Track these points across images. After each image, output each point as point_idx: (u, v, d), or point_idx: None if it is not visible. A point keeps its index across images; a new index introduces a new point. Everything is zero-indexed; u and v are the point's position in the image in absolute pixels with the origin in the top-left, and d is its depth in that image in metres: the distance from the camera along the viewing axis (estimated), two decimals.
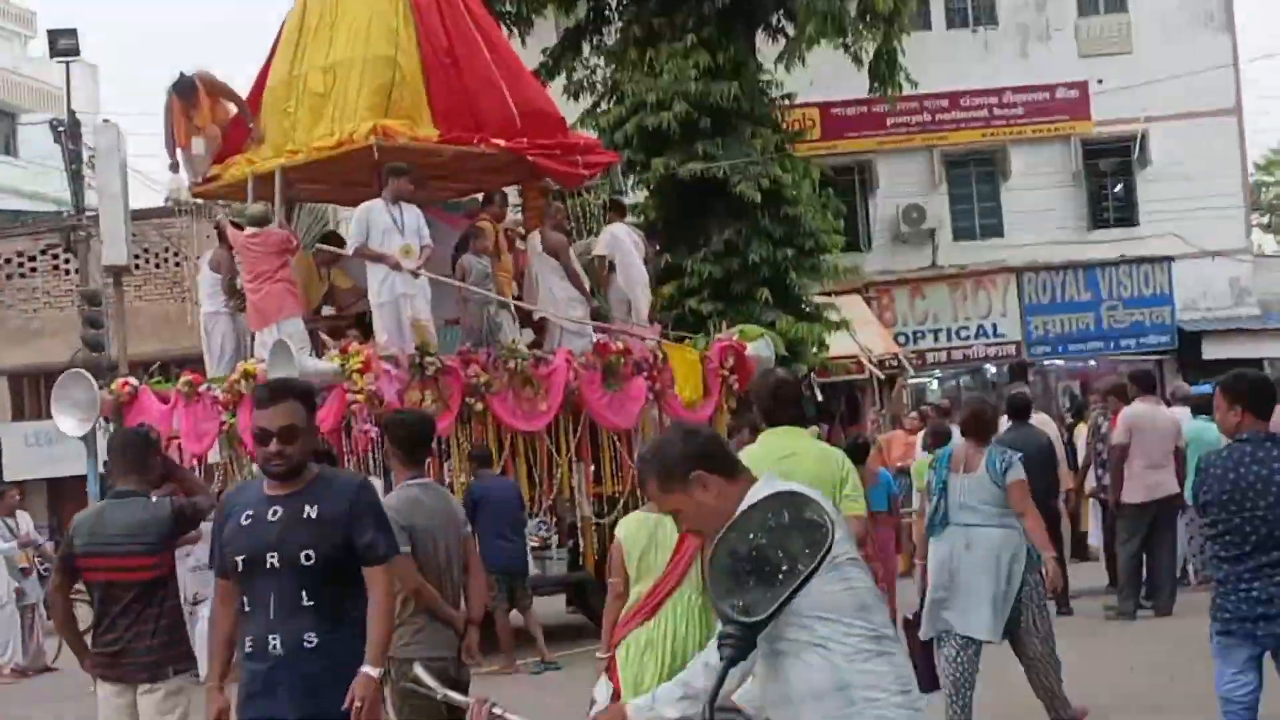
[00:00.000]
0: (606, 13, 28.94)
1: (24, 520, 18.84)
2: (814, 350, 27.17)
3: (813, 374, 28.90)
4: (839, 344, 30.19)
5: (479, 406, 15.49)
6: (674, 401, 17.16)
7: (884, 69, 28.52)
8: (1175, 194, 34.18)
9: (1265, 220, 58.67)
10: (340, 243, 16.87)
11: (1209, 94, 34.59)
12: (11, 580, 17.72)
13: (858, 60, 27.98)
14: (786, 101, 28.80)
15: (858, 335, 31.82)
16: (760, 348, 18.23)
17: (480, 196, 18.10)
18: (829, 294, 30.76)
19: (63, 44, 29.18)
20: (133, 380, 17.27)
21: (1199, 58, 33.91)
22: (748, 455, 7.64)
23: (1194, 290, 34.93)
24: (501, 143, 16.62)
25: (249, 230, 16.09)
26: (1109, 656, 13.10)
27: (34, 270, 34.09)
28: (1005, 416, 15.28)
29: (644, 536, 7.68)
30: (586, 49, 29.18)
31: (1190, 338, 34.37)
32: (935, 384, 37.59)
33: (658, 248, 27.29)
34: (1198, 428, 14.90)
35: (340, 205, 19.88)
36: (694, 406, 16.82)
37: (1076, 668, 10.71)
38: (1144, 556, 15.52)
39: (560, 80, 28.90)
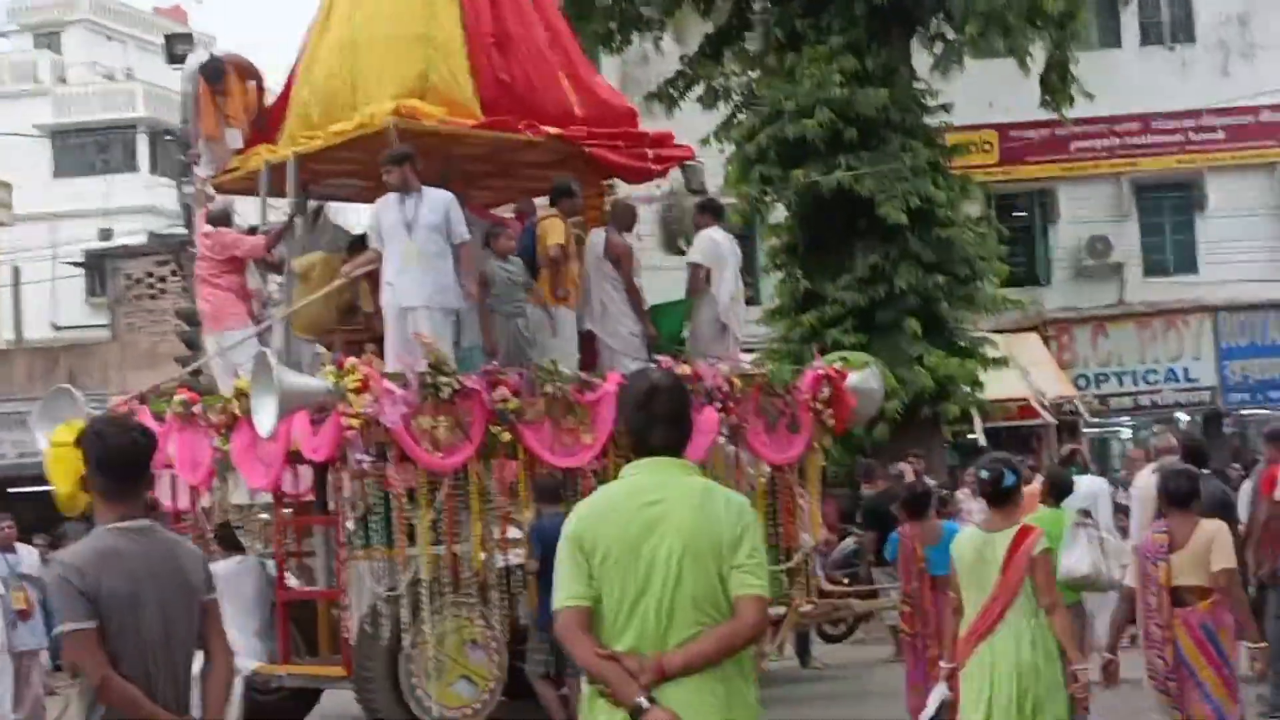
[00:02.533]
0: (750, 16, 26.33)
1: (26, 555, 16.59)
2: (968, 390, 24.27)
3: (975, 415, 26.09)
4: (1010, 386, 27.46)
5: (506, 437, 12.93)
6: (755, 436, 14.52)
7: (1055, 80, 25.59)
8: None
9: None
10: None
11: None
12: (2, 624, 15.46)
13: (1024, 66, 24.98)
14: (945, 113, 25.75)
15: (1031, 376, 29.09)
16: (865, 378, 15.46)
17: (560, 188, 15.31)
18: (1001, 331, 28.09)
19: (179, 49, 27.40)
20: (133, 393, 15.13)
21: None
22: (603, 496, 5.15)
23: None
24: (551, 130, 14.08)
25: (204, 228, 14.16)
26: None
27: (163, 292, 32.55)
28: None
29: (971, 553, 8.19)
30: (728, 56, 26.63)
31: None
32: (1128, 433, 34.33)
33: (798, 274, 24.96)
34: None
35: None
36: None
37: None
38: None
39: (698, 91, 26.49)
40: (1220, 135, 32.12)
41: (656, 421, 5.11)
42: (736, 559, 4.94)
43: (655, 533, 4.95)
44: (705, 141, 25.30)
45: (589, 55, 27.25)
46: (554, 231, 13.91)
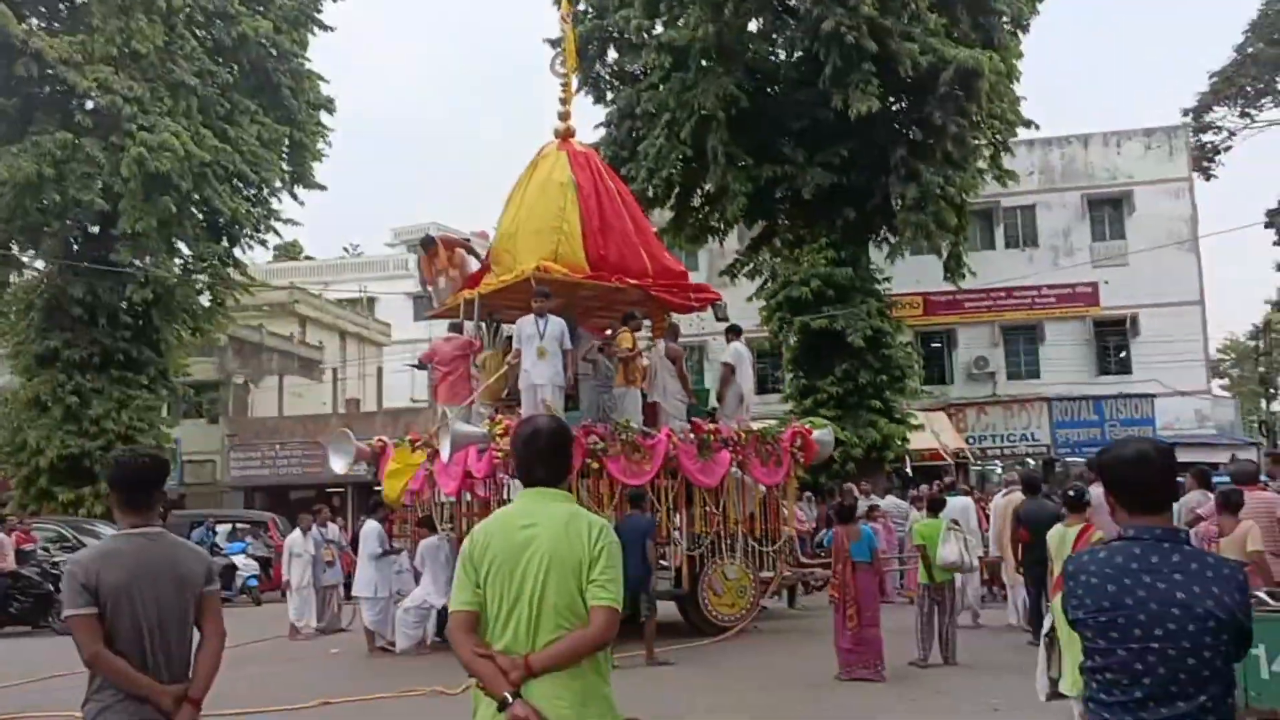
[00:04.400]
0: (775, 227, 24.50)
1: (333, 529, 15.07)
2: (899, 443, 21.98)
3: (906, 459, 23.71)
4: (927, 441, 25.07)
5: (595, 465, 11.15)
6: (755, 468, 12.54)
7: (953, 263, 23.39)
8: (1157, 354, 27.84)
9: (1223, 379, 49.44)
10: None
11: (1179, 290, 28.19)
12: (311, 569, 13.92)
13: (938, 252, 22.84)
14: (887, 283, 23.61)
15: (940, 436, 26.57)
16: (823, 434, 13.40)
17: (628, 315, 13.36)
18: (924, 410, 25.77)
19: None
20: (384, 437, 13.54)
21: (1174, 267, 27.86)
22: (492, 520, 3.26)
23: (1169, 416, 28.01)
24: (632, 281, 12.38)
25: (447, 334, 12.51)
26: None
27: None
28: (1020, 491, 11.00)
29: (1058, 539, 7.11)
30: (764, 250, 24.77)
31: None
32: (1000, 469, 31.36)
33: (801, 376, 22.90)
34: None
35: None
36: None
37: None
38: None
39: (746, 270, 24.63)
40: (1052, 299, 29.34)
41: (538, 458, 3.32)
42: (593, 575, 3.13)
43: (528, 551, 3.16)
44: (750, 299, 23.55)
45: (680, 252, 25.77)
46: (624, 341, 12.09)
